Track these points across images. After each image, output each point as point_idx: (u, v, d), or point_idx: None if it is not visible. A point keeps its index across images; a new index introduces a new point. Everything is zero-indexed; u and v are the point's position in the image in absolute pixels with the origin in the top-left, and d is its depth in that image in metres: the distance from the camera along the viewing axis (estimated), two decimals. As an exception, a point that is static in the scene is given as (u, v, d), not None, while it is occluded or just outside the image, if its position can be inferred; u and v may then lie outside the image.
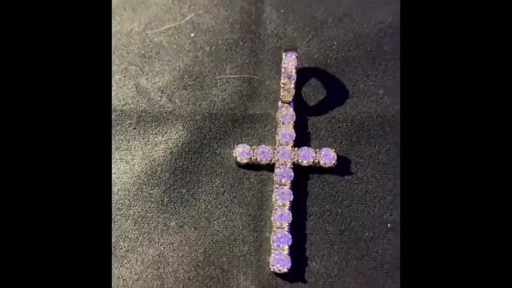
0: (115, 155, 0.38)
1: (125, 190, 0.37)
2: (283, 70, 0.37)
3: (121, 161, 0.38)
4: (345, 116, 0.38)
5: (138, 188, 0.37)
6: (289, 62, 0.37)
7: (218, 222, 0.36)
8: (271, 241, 0.35)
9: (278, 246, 0.34)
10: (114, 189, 0.37)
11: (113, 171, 0.37)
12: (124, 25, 0.42)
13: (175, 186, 0.37)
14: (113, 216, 0.36)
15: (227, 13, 0.42)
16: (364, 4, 0.42)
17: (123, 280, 0.35)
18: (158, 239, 0.36)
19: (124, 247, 0.36)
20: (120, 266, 0.35)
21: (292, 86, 0.37)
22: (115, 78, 0.40)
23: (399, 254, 0.35)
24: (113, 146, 0.38)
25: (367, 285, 0.34)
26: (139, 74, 0.40)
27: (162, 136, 0.38)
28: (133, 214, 0.36)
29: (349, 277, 0.35)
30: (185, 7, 0.42)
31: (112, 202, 0.36)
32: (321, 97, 0.39)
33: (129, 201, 0.37)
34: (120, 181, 0.37)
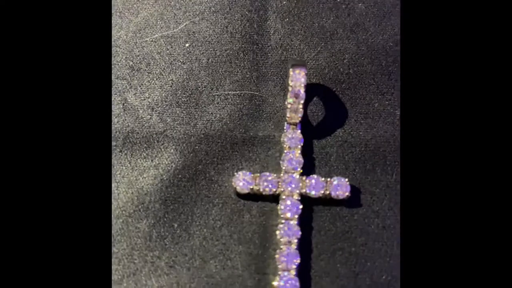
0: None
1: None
2: (290, 88, 0.33)
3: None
4: (358, 140, 0.34)
5: (123, 221, 0.33)
6: (297, 80, 0.33)
7: (215, 262, 0.32)
8: (275, 284, 0.30)
9: (283, 290, 0.30)
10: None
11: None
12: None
13: (165, 219, 0.33)
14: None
15: (226, 21, 0.37)
16: (378, 13, 0.38)
17: (105, 328, 0.30)
18: (146, 281, 0.31)
19: (106, 289, 0.31)
20: (102, 311, 0.31)
21: (300, 106, 0.33)
22: (99, 92, 0.36)
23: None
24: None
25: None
26: (126, 89, 0.36)
27: (152, 160, 0.34)
28: (117, 252, 0.32)
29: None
30: (179, 14, 0.38)
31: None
32: (331, 118, 0.35)
33: (113, 237, 0.32)
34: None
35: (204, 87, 0.36)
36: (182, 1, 0.38)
